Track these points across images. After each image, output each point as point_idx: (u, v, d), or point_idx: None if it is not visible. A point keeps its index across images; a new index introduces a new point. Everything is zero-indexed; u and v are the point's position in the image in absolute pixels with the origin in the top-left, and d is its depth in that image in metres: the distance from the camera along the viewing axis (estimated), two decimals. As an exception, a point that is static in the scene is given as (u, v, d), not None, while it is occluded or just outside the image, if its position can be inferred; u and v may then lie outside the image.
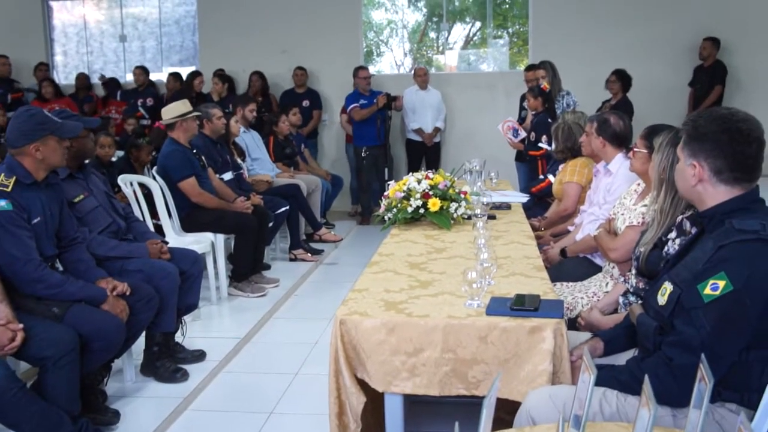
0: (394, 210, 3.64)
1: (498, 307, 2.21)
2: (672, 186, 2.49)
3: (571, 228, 4.11)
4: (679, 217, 2.46)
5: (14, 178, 2.82)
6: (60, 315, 2.80)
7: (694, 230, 2.32)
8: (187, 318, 3.86)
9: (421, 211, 3.56)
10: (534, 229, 4.28)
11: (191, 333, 3.90)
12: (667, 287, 1.92)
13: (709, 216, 1.93)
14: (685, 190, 1.99)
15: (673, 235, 2.44)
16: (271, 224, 5.45)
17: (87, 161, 3.61)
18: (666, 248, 2.45)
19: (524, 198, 4.64)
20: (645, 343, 2.01)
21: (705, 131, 1.88)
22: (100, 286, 3.00)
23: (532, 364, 2.11)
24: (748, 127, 1.85)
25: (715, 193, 1.90)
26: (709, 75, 7.75)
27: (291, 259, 6.01)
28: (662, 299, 1.92)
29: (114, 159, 5.66)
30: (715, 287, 1.75)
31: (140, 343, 3.48)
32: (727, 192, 1.89)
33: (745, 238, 1.78)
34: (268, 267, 5.66)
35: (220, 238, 4.93)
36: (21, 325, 2.59)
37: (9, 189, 2.79)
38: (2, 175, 2.82)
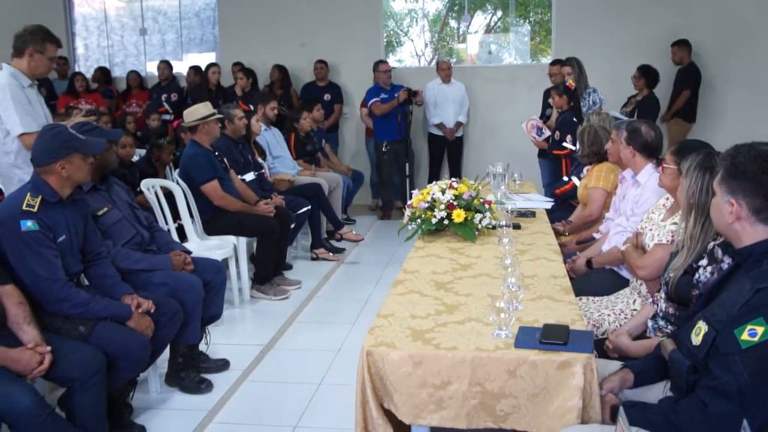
0: (418, 220, 3.61)
1: (527, 339, 2.18)
2: (702, 211, 2.45)
3: (596, 235, 4.07)
4: (711, 244, 2.41)
5: (40, 197, 2.83)
6: (86, 334, 2.82)
7: (726, 259, 2.28)
8: (210, 326, 3.87)
9: (446, 222, 3.53)
10: (558, 233, 4.25)
11: (215, 339, 3.91)
12: (702, 327, 1.87)
13: (746, 254, 1.88)
14: (722, 227, 1.94)
15: (704, 262, 2.40)
16: (292, 225, 5.44)
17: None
18: (697, 275, 2.41)
19: (548, 203, 4.59)
20: (678, 382, 1.97)
21: (744, 169, 1.83)
22: (125, 302, 3.01)
23: (562, 399, 2.08)
24: (789, 166, 1.79)
25: (753, 232, 1.86)
26: (680, 78, 7.59)
27: (313, 258, 6.01)
28: (696, 339, 1.88)
29: (135, 159, 5.68)
30: (753, 333, 1.71)
31: (165, 352, 3.50)
32: (765, 231, 1.84)
33: None
34: (290, 267, 5.67)
35: (243, 241, 4.93)
36: (49, 348, 2.61)
37: (35, 209, 2.80)
38: (28, 194, 2.83)
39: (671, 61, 7.66)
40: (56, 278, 2.80)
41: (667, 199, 3.09)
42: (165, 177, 5.66)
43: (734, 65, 7.89)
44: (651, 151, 3.53)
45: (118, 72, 9.35)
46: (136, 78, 8.84)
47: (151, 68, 9.16)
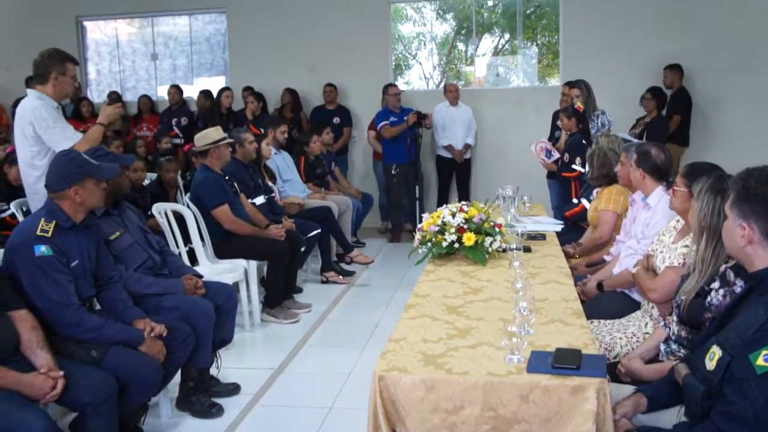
0: (429, 244, 3.61)
1: (539, 363, 2.17)
2: (713, 234, 2.45)
3: (607, 257, 4.06)
4: (722, 267, 2.40)
5: (54, 222, 2.86)
6: (98, 358, 2.83)
7: (738, 281, 2.27)
8: (221, 350, 3.87)
9: (456, 245, 3.54)
10: (568, 256, 4.24)
11: (225, 363, 3.91)
12: (716, 352, 1.87)
13: (759, 278, 1.88)
14: (734, 250, 1.95)
15: (716, 285, 2.39)
16: (303, 248, 5.46)
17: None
18: (709, 298, 2.40)
19: (558, 226, 4.59)
20: (692, 407, 1.96)
21: (756, 193, 1.84)
22: (138, 327, 3.03)
23: (575, 424, 2.07)
24: (801, 190, 1.80)
25: (765, 256, 1.86)
26: (671, 102, 7.57)
27: (323, 282, 6.02)
28: (710, 364, 1.87)
29: (146, 183, 5.73)
30: (768, 358, 1.70)
31: (176, 376, 3.50)
32: (778, 255, 1.84)
33: None
34: (300, 290, 5.68)
35: (253, 264, 4.95)
36: (61, 373, 2.62)
37: (49, 234, 2.83)
38: (42, 220, 2.86)
39: (662, 84, 7.67)
40: (69, 303, 2.82)
41: (678, 221, 3.09)
42: (175, 198, 5.69)
43: (733, 89, 7.90)
44: (661, 174, 3.53)
45: (130, 96, 9.47)
46: (147, 102, 8.95)
47: (162, 92, 9.28)
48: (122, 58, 9.68)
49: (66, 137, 3.79)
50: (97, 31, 9.73)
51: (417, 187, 7.68)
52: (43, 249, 2.79)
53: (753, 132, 7.82)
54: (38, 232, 2.82)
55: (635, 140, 5.21)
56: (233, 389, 3.79)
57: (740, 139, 7.75)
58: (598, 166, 4.39)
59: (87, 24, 9.63)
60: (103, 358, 2.83)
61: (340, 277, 6.06)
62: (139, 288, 3.38)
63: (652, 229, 3.42)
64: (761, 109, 7.87)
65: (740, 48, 7.82)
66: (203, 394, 3.58)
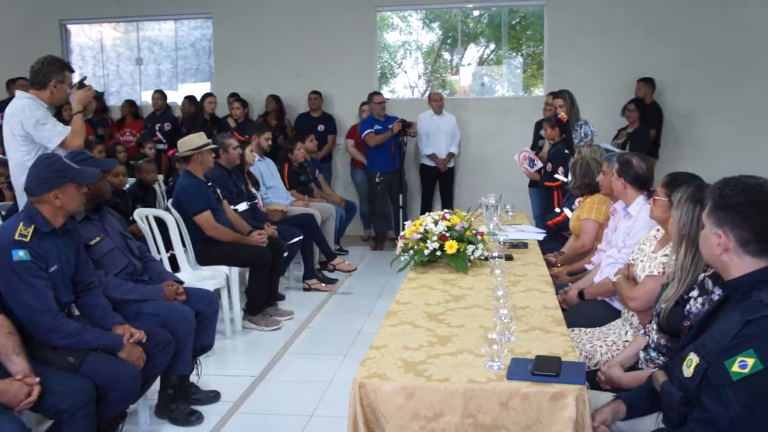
0: (411, 251, 3.62)
1: (519, 370, 2.18)
2: (692, 243, 2.48)
3: (588, 266, 4.09)
4: (701, 275, 2.43)
5: (33, 227, 2.84)
6: (76, 364, 2.80)
7: (716, 290, 2.30)
8: (202, 357, 3.85)
9: (438, 253, 3.55)
10: (550, 264, 4.27)
11: (206, 370, 3.89)
12: (693, 359, 1.88)
13: (734, 286, 1.90)
14: (710, 258, 1.97)
15: (694, 293, 2.42)
16: (285, 254, 5.45)
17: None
18: (688, 306, 2.42)
19: (540, 235, 4.62)
20: (670, 414, 1.98)
21: (732, 202, 1.86)
22: (117, 333, 3.00)
23: (554, 431, 2.07)
24: (776, 198, 1.82)
25: (741, 264, 1.88)
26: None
27: (305, 289, 6.00)
28: (688, 371, 1.89)
29: (126, 187, 5.71)
30: (743, 365, 1.72)
31: (155, 383, 3.47)
32: (753, 263, 1.86)
33: None
34: (282, 297, 5.65)
35: (235, 271, 4.93)
36: (37, 379, 2.59)
37: (28, 239, 2.80)
38: (21, 224, 2.83)
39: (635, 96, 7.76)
40: (47, 308, 2.79)
41: (658, 230, 3.12)
42: (154, 201, 5.67)
43: (706, 104, 8.05)
44: (642, 183, 3.57)
45: (114, 101, 9.40)
46: (131, 107, 8.88)
47: (147, 97, 9.22)
48: (106, 62, 9.63)
49: (56, 132, 3.85)
50: (82, 34, 9.68)
51: (401, 196, 7.69)
52: (21, 254, 2.76)
53: (725, 146, 7.94)
54: (16, 237, 2.79)
55: (617, 150, 5.26)
56: (213, 397, 3.76)
57: (711, 152, 7.87)
58: (581, 175, 4.43)
59: (71, 27, 9.57)
60: (80, 365, 2.80)
61: (323, 284, 6.05)
62: (118, 294, 3.35)
63: (633, 238, 3.46)
64: (734, 124, 8.02)
65: (715, 64, 7.98)
66: (183, 402, 3.55)
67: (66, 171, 2.94)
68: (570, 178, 4.60)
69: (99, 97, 8.72)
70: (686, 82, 8.03)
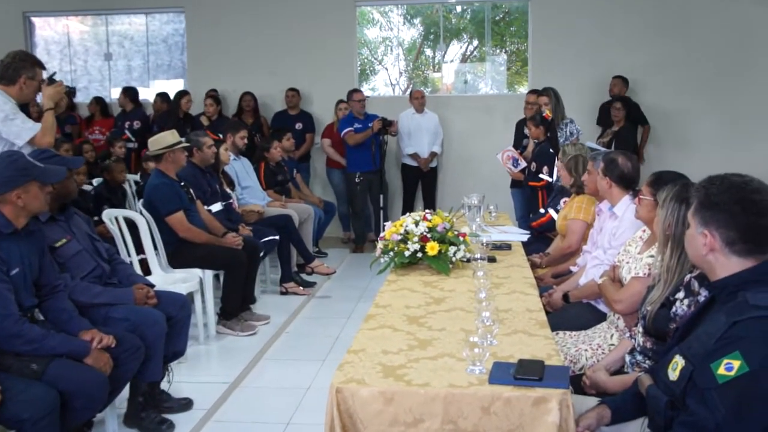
0: (391, 253, 3.62)
1: (501, 374, 2.18)
2: (678, 243, 2.49)
3: (573, 268, 4.11)
4: (687, 276, 2.45)
5: (-7, 227, 2.79)
6: (39, 372, 2.75)
7: (702, 291, 2.31)
8: (173, 363, 3.82)
9: (419, 255, 3.55)
10: (535, 266, 4.28)
11: (178, 377, 3.85)
12: (679, 362, 1.90)
13: (720, 287, 1.92)
14: (696, 258, 1.99)
15: (680, 295, 2.44)
16: (261, 254, 5.42)
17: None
18: (674, 308, 2.44)
19: (524, 236, 4.63)
20: (656, 418, 1.99)
21: (717, 200, 1.88)
22: (84, 338, 2.97)
23: (537, 436, 2.08)
24: (762, 197, 1.84)
25: (727, 264, 1.90)
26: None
27: (282, 293, 5.98)
28: (673, 374, 1.90)
29: (91, 187, 5.66)
30: (729, 367, 1.73)
31: (124, 391, 3.44)
32: (739, 263, 1.88)
33: (761, 314, 1.76)
34: (253, 301, 5.59)
35: (209, 274, 4.90)
36: (-1, 387, 2.55)
37: (-12, 240, 2.76)
38: (-19, 225, 2.79)
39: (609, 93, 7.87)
40: (9, 313, 2.75)
41: (644, 231, 3.14)
42: (124, 202, 5.63)
43: (690, 103, 8.18)
44: (628, 183, 3.59)
45: (81, 98, 9.29)
46: (99, 104, 8.78)
47: (116, 94, 9.13)
48: (74, 57, 9.53)
49: (26, 128, 3.81)
50: (47, 28, 9.57)
51: (381, 196, 7.69)
52: (-20, 256, 2.72)
53: (711, 145, 8.05)
54: (-24, 238, 2.75)
55: (602, 149, 5.29)
56: (185, 404, 3.73)
57: (697, 151, 7.99)
58: (580, 174, 4.34)
59: (36, 20, 9.46)
60: (44, 371, 2.76)
61: (301, 288, 6.03)
62: (86, 298, 3.31)
63: (618, 239, 3.48)
64: (720, 122, 8.12)
65: (702, 60, 8.07)
66: (153, 410, 3.52)
67: (29, 169, 2.90)
68: (565, 177, 4.52)
69: (71, 93, 8.63)
70: (673, 79, 8.12)
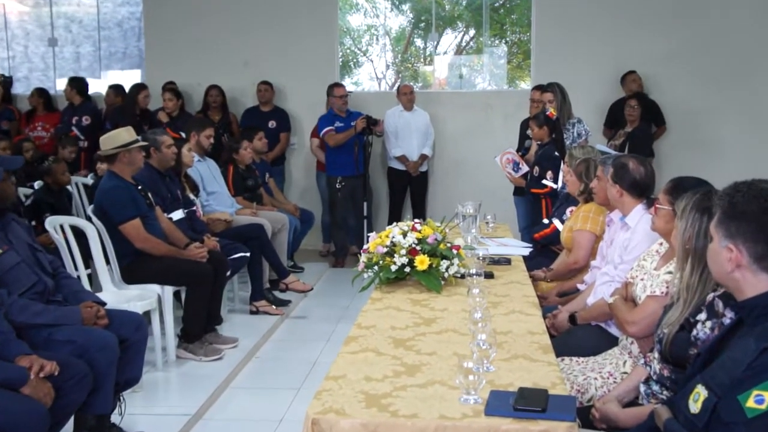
0: (375, 268, 3.61)
1: (499, 405, 2.18)
2: (700, 258, 2.50)
3: (581, 286, 4.12)
4: (710, 296, 2.45)
5: None
6: (-31, 403, 2.72)
7: (728, 312, 2.32)
8: (126, 392, 3.79)
9: (407, 269, 3.55)
10: (537, 281, 4.29)
11: (131, 409, 3.84)
12: (701, 392, 1.89)
13: (748, 308, 1.92)
14: (720, 276, 1.99)
15: (702, 316, 2.44)
16: (228, 273, 5.40)
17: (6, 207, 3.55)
18: (695, 331, 2.45)
19: (526, 250, 4.65)
20: (674, 456, 1.98)
21: (744, 209, 1.88)
22: (21, 364, 2.93)
23: (540, 476, 2.07)
24: (794, 206, 1.85)
25: (755, 282, 1.90)
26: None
27: (252, 312, 5.98)
28: (695, 406, 1.90)
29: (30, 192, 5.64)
30: (760, 400, 1.73)
31: (68, 426, 3.40)
32: (770, 281, 1.89)
33: None
34: (220, 321, 5.57)
35: (169, 291, 4.89)
36: None
37: None
38: None
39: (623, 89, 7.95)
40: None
41: (661, 244, 3.15)
42: (70, 208, 5.59)
43: (708, 100, 8.25)
44: (641, 190, 3.60)
45: (21, 89, 9.23)
46: (42, 97, 8.70)
47: (62, 86, 9.08)
48: (11, 42, 9.49)
49: None
50: (-20, 8, 9.53)
51: (365, 204, 7.70)
52: None
53: (735, 147, 8.13)
54: None
55: (614, 152, 5.32)
56: (139, 440, 3.71)
57: (720, 154, 8.07)
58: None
59: (-34, 0, 9.42)
60: (-26, 403, 2.73)
61: (273, 307, 6.02)
62: (25, 317, 3.28)
63: (631, 253, 3.49)
64: (745, 121, 8.18)
65: (724, 54, 8.13)
66: (101, 447, 3.48)
67: (-40, 170, 2.88)
68: (573, 183, 4.52)
69: (7, 83, 8.56)
70: (693, 72, 8.17)
